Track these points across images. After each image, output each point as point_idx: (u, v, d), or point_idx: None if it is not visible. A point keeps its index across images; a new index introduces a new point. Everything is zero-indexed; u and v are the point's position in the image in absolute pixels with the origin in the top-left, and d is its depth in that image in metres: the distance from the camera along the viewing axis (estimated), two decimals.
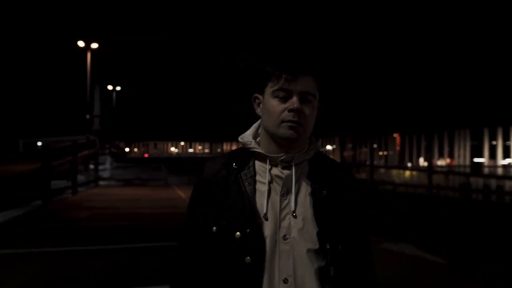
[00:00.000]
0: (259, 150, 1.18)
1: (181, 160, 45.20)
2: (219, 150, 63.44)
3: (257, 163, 1.18)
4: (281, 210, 1.12)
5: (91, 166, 20.99)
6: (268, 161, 1.16)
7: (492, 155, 37.28)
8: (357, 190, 1.24)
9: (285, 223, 1.11)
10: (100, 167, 22.43)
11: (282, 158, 1.15)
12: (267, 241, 1.08)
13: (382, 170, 21.68)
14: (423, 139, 30.32)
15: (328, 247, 1.10)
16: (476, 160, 35.92)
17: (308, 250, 1.09)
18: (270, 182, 1.14)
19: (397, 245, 6.68)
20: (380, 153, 36.80)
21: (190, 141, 68.55)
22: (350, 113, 15.74)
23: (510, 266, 5.70)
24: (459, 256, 6.12)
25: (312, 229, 1.11)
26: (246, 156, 1.20)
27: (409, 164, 35.28)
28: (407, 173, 21.16)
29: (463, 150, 36.92)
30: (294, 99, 1.12)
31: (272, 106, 1.14)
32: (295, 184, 1.14)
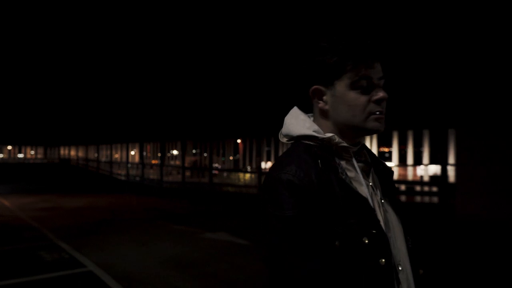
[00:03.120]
0: (344, 144, 1.09)
1: (8, 166, 40.46)
2: (55, 155, 58.13)
3: (338, 158, 1.10)
4: (378, 201, 1.11)
5: None
6: (353, 154, 1.11)
7: None
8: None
9: (382, 214, 1.09)
10: None
11: (357, 149, 1.13)
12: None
13: (225, 174, 23.62)
14: (255, 144, 33.70)
15: (407, 226, 1.14)
16: None
17: (400, 234, 1.12)
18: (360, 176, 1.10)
19: (216, 233, 8.33)
20: (221, 158, 39.34)
21: (19, 145, 61.15)
22: (192, 118, 16.81)
23: None
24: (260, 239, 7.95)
25: (394, 214, 1.13)
26: (326, 152, 1.08)
27: (249, 168, 38.59)
28: (247, 175, 23.31)
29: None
30: (378, 88, 1.07)
31: (353, 99, 1.06)
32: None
